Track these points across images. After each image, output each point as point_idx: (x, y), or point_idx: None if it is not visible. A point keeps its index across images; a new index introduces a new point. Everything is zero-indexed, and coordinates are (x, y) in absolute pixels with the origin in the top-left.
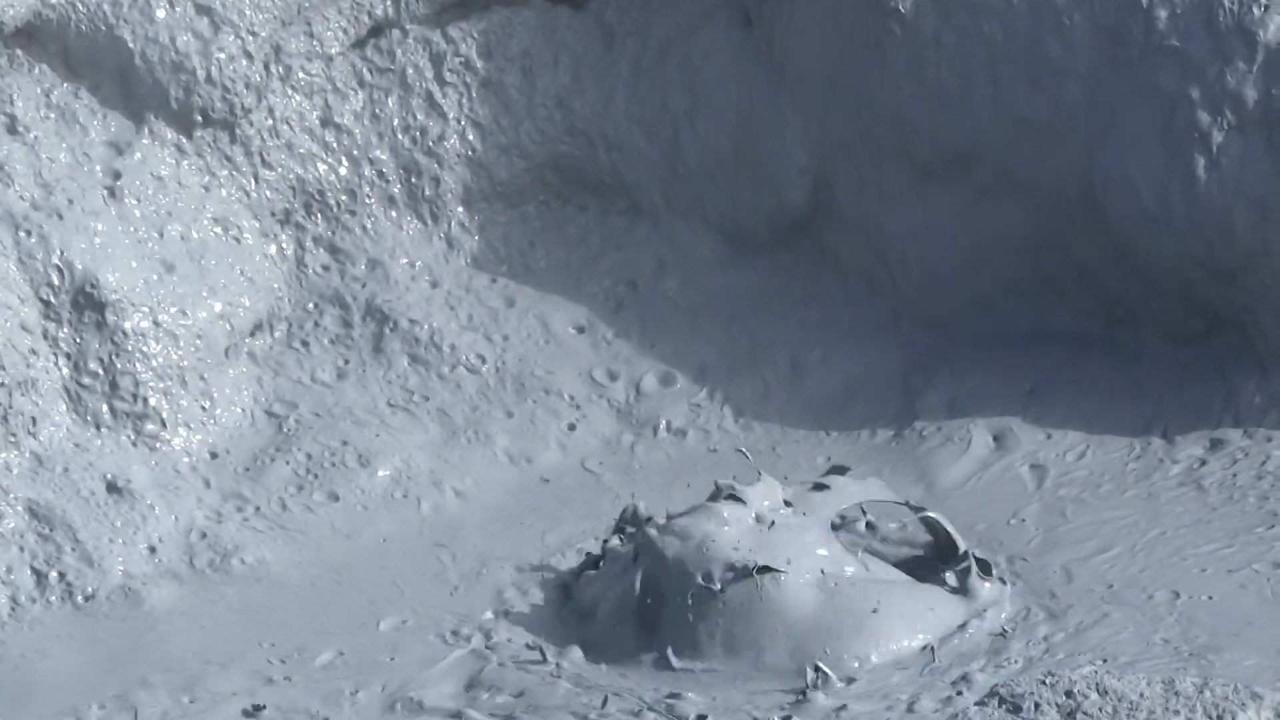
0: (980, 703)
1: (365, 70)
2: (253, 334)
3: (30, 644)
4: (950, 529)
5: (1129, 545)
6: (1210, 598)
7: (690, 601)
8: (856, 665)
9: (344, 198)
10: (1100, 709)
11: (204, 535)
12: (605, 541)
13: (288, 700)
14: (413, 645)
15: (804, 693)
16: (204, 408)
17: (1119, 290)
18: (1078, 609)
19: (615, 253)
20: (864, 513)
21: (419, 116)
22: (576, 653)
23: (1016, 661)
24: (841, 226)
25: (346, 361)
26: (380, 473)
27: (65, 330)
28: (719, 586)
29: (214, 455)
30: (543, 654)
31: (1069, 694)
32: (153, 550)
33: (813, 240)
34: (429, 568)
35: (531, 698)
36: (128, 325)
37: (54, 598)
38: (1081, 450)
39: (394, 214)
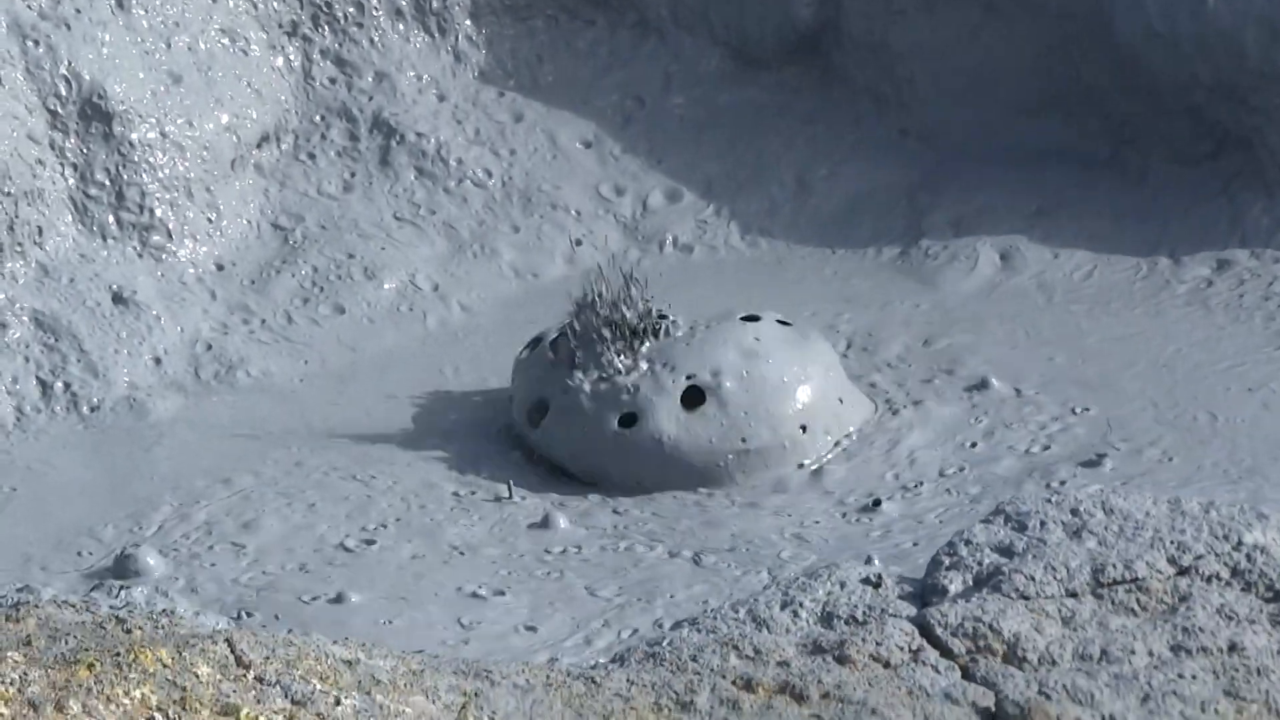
0: (985, 520)
1: None
2: (259, 146)
3: (37, 454)
4: None
5: (1152, 362)
6: (1243, 420)
7: None
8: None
9: (351, 10)
10: (1105, 527)
11: (209, 347)
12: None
13: (289, 510)
14: (404, 457)
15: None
16: (210, 219)
17: (1126, 111)
18: (1135, 433)
19: (623, 68)
20: None
21: None
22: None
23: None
24: (849, 43)
25: (353, 174)
26: (386, 286)
27: (72, 140)
28: None
29: (220, 267)
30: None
31: (1074, 512)
32: (158, 361)
33: (820, 56)
34: (431, 380)
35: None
36: (134, 136)
37: (59, 408)
38: (1089, 270)
39: (401, 27)
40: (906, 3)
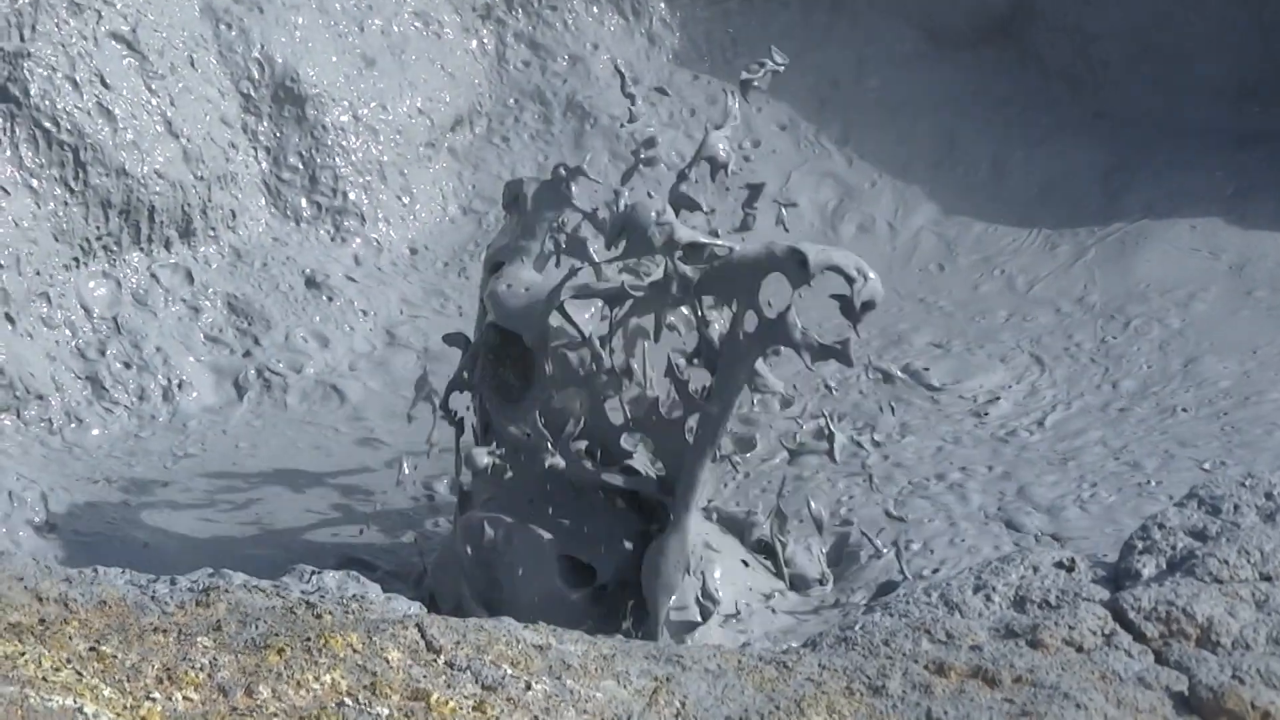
0: (1179, 504)
1: None
2: (453, 129)
3: (230, 440)
4: None
5: None
6: None
7: None
8: None
9: None
10: None
11: (403, 330)
12: None
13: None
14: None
15: None
16: (403, 203)
17: None
18: None
19: (817, 50)
20: None
21: None
22: None
23: None
24: (1043, 24)
25: (547, 157)
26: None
27: (265, 124)
28: None
29: (413, 251)
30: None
31: (1269, 495)
32: (351, 345)
33: (1014, 38)
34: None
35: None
36: (328, 119)
37: (253, 393)
38: None
39: (595, 9)
40: None
